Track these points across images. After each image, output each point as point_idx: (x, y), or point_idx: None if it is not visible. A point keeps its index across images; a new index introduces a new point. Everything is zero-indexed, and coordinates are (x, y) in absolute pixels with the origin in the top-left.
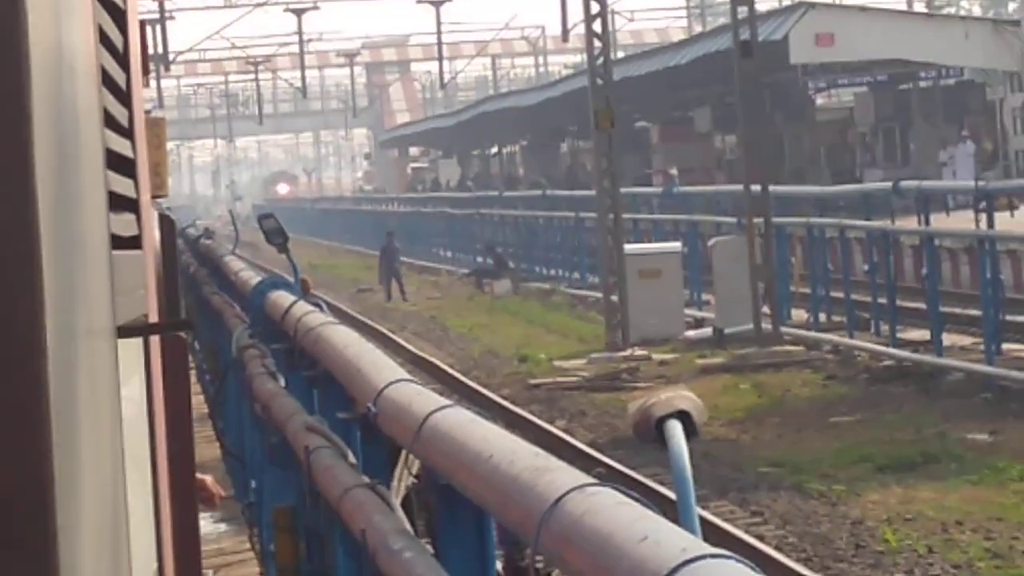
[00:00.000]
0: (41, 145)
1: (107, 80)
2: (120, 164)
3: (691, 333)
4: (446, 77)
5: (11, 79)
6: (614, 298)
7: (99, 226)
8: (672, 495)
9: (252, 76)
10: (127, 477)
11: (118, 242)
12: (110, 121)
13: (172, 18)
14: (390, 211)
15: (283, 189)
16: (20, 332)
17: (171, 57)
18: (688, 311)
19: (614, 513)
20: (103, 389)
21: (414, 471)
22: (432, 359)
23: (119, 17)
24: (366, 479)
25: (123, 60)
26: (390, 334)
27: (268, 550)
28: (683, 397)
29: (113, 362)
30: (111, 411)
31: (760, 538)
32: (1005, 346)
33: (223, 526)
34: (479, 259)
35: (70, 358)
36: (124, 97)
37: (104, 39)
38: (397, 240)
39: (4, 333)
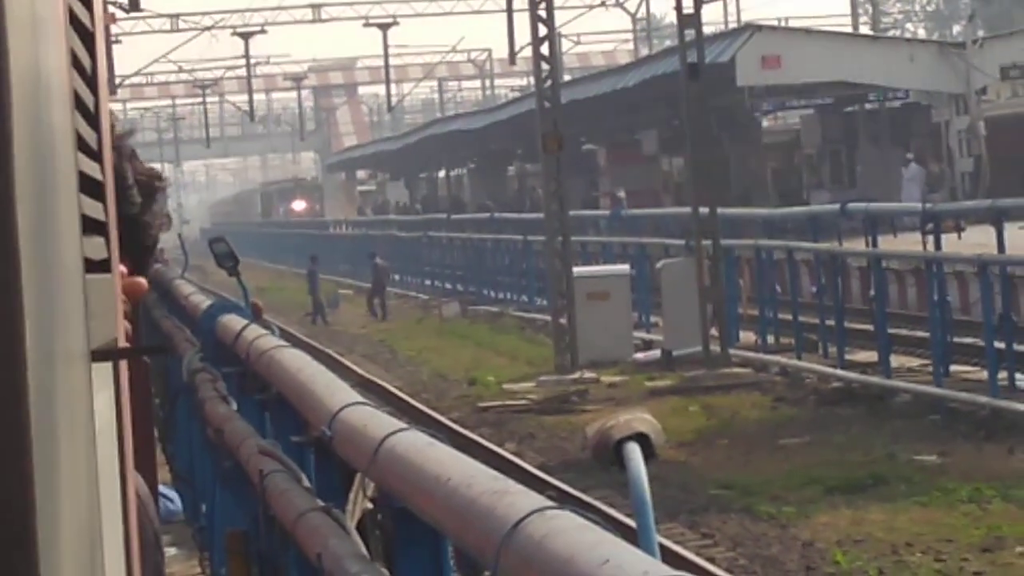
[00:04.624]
0: (21, 169)
1: (79, 103)
2: (90, 187)
3: (640, 355)
4: (393, 100)
5: None
6: (563, 321)
7: (73, 249)
8: (625, 518)
9: (199, 100)
10: (101, 505)
11: (90, 266)
12: (82, 144)
13: (119, 42)
14: (338, 234)
15: (299, 206)
16: (1, 356)
17: (118, 81)
18: (637, 333)
19: (575, 537)
20: (79, 414)
21: (369, 494)
22: (381, 382)
23: (88, 40)
24: (321, 503)
25: (92, 83)
26: (338, 357)
27: (220, 574)
28: (642, 420)
29: (88, 386)
30: (87, 437)
31: (711, 560)
32: (953, 368)
33: (172, 550)
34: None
35: (49, 383)
36: (93, 120)
37: (75, 62)
38: (321, 263)
39: None
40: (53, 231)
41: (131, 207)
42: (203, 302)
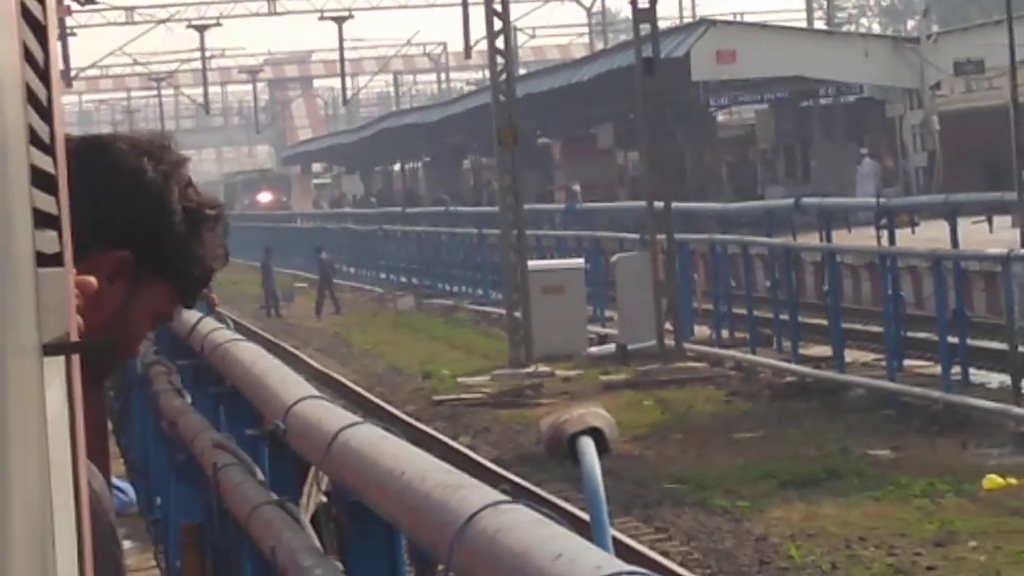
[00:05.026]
0: None
1: (31, 97)
2: (43, 181)
3: (594, 349)
4: (348, 93)
5: None
6: (517, 314)
7: (25, 243)
8: (579, 513)
9: (154, 92)
10: (53, 499)
11: (43, 259)
12: (34, 138)
13: (74, 34)
14: (294, 228)
15: (266, 198)
16: None
17: (73, 73)
18: (591, 327)
19: (528, 531)
20: (31, 408)
21: (323, 488)
22: (336, 375)
23: (40, 33)
24: (275, 496)
25: (44, 76)
26: (294, 350)
27: (174, 567)
28: (595, 414)
29: (40, 380)
30: (38, 431)
31: (665, 554)
32: (906, 362)
33: (127, 543)
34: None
35: (1, 377)
36: (46, 113)
37: (28, 55)
38: (276, 256)
39: None
40: (4, 224)
41: (173, 233)
42: None
